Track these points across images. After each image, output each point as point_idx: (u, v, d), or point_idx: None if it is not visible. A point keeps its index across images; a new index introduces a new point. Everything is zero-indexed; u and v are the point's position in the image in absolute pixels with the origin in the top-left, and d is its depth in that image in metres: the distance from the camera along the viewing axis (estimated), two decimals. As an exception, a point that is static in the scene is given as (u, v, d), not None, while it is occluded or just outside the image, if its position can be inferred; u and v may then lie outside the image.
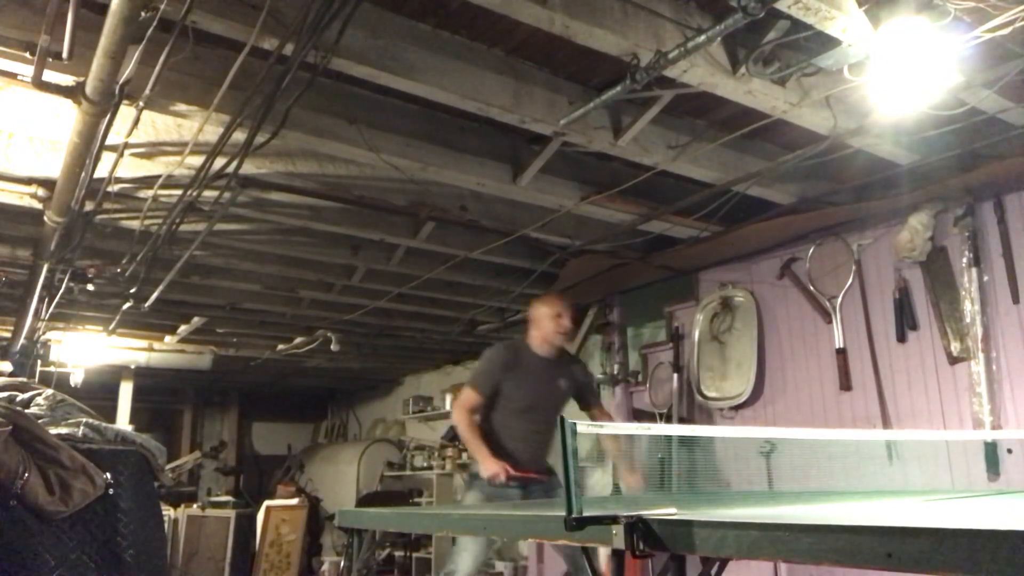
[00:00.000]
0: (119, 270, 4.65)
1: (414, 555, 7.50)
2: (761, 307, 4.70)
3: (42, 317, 5.37)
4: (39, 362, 6.52)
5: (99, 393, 6.91)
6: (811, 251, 4.46)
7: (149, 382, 8.37)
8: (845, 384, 4.19)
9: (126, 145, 3.10)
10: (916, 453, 3.76)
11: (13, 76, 2.65)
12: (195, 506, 7.26)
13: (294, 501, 7.73)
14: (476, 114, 3.12)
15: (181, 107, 2.92)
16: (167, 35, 2.35)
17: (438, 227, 4.47)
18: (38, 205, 3.61)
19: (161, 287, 4.82)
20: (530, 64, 3.10)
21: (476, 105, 2.99)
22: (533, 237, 4.52)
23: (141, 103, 2.69)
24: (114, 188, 3.47)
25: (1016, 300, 3.59)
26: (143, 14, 2.10)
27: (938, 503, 2.23)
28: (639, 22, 2.61)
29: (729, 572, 2.00)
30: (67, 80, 2.55)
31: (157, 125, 3.15)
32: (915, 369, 3.93)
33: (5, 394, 3.12)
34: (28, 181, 3.55)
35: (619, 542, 1.44)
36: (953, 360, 3.78)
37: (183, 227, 3.93)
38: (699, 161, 3.62)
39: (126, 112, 2.78)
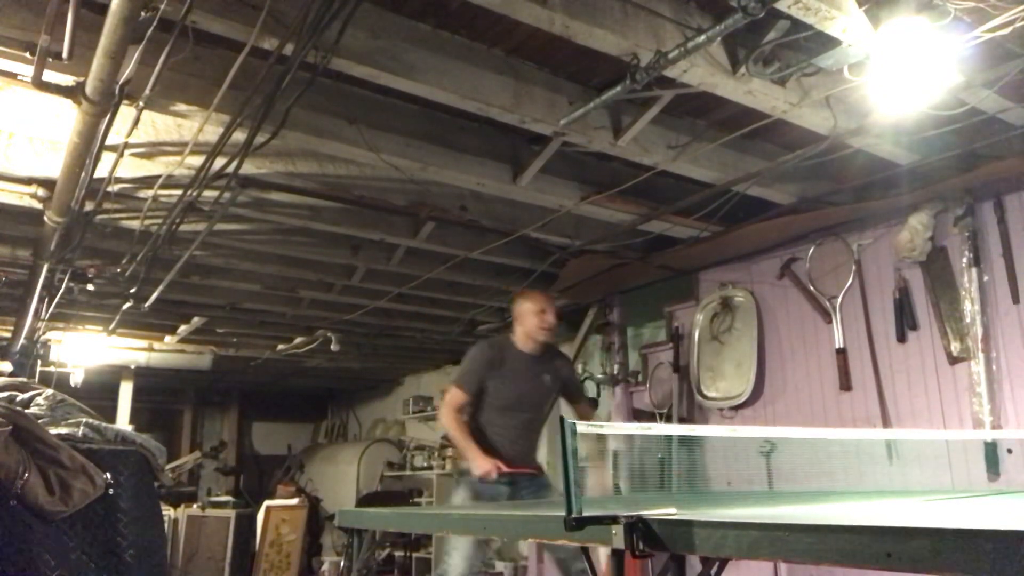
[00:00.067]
0: (119, 270, 4.66)
1: (414, 555, 7.50)
2: (761, 307, 4.70)
3: (42, 317, 5.37)
4: (39, 362, 6.52)
5: (99, 393, 6.92)
6: (811, 251, 4.46)
7: (149, 382, 8.37)
8: (845, 384, 4.19)
9: (126, 145, 3.10)
10: (916, 453, 3.76)
11: (13, 76, 2.65)
12: (195, 506, 7.26)
13: (294, 501, 7.72)
14: (476, 114, 3.12)
15: (181, 107, 2.92)
16: (167, 35, 2.35)
17: (438, 227, 4.47)
18: (38, 205, 3.61)
19: (161, 287, 4.82)
20: (530, 64, 3.10)
21: (476, 105, 2.99)
22: (533, 237, 4.52)
23: (141, 103, 2.69)
24: (114, 188, 3.47)
25: (1016, 300, 3.59)
26: (143, 14, 2.10)
27: (938, 503, 2.23)
28: (639, 22, 2.61)
29: (729, 572, 2.00)
30: (67, 80, 2.55)
31: (157, 125, 3.15)
32: (915, 369, 3.93)
33: (5, 394, 3.12)
34: (28, 181, 3.55)
35: (619, 542, 1.44)
36: (953, 360, 3.78)
37: (183, 227, 3.93)
38: (699, 161, 3.62)
39: (126, 112, 2.78)
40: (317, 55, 2.50)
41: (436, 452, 7.99)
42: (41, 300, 4.86)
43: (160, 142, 3.25)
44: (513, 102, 3.04)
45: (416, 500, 7.70)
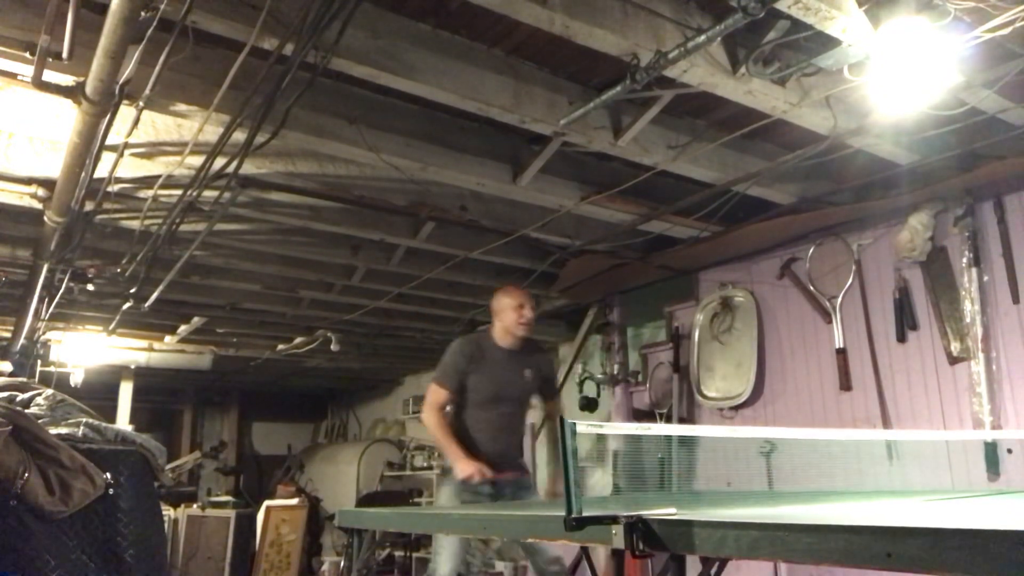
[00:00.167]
0: (119, 270, 4.66)
1: (414, 555, 7.49)
2: (761, 307, 4.70)
3: (42, 317, 5.37)
4: (39, 362, 6.52)
5: (99, 393, 6.91)
6: (811, 251, 4.46)
7: (149, 382, 8.37)
8: (845, 384, 4.19)
9: (126, 145, 3.10)
10: (916, 453, 3.76)
11: (13, 76, 2.65)
12: (195, 506, 7.25)
13: (294, 501, 7.72)
14: (476, 114, 3.12)
15: (181, 107, 2.92)
16: (167, 35, 2.35)
17: (438, 227, 4.47)
18: (38, 205, 3.61)
19: (161, 287, 4.82)
20: (530, 64, 3.10)
21: (476, 105, 2.99)
22: (533, 237, 4.52)
23: (141, 103, 2.69)
24: (114, 188, 3.47)
25: (1016, 300, 3.59)
26: (143, 14, 2.10)
27: (938, 503, 2.23)
28: (639, 22, 2.61)
29: (729, 572, 2.00)
30: (67, 80, 2.55)
31: (157, 125, 3.15)
32: (915, 369, 3.93)
33: (5, 394, 3.12)
34: (28, 181, 3.55)
35: (619, 542, 1.43)
36: (953, 360, 3.78)
37: (183, 227, 3.93)
38: (699, 161, 3.62)
39: (126, 112, 2.78)
40: (317, 55, 2.50)
41: (436, 452, 7.98)
42: (41, 300, 4.86)
43: (160, 142, 3.25)
44: (513, 102, 3.04)
45: (416, 500, 7.70)
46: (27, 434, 2.66)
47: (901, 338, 3.99)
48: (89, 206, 3.63)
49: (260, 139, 2.94)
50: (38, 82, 2.49)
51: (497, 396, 3.53)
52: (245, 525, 7.17)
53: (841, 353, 4.23)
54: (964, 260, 3.77)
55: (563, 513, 1.52)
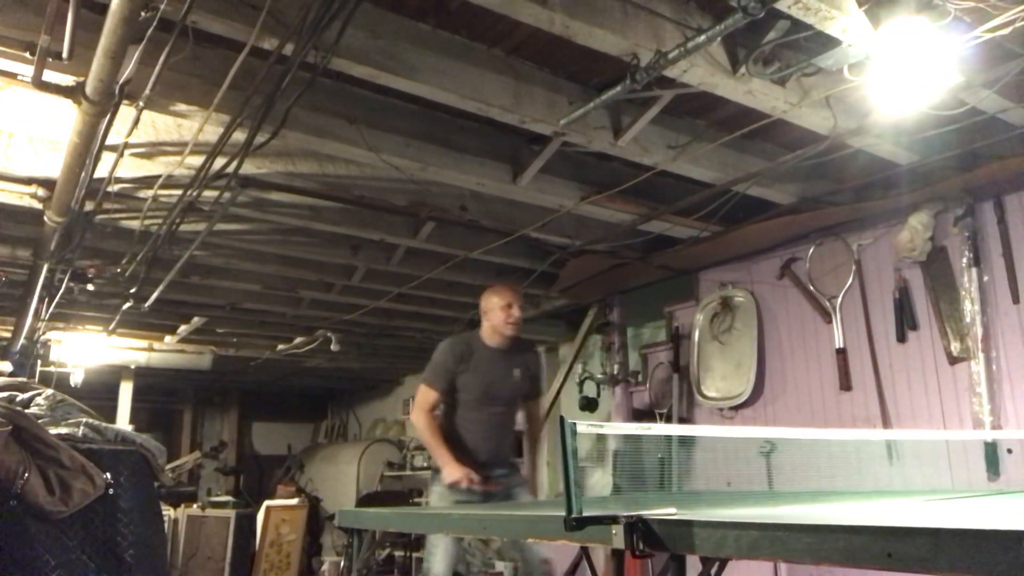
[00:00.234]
0: (119, 270, 4.66)
1: (414, 555, 7.49)
2: (761, 307, 4.70)
3: (42, 317, 5.37)
4: (39, 362, 6.52)
5: (99, 393, 6.92)
6: (811, 251, 4.46)
7: (149, 382, 8.37)
8: (845, 384, 4.19)
9: (126, 145, 3.10)
10: (916, 453, 3.76)
11: (13, 76, 2.65)
12: (195, 506, 7.25)
13: (294, 501, 7.72)
14: (476, 114, 3.12)
15: (181, 107, 2.92)
16: (167, 35, 2.35)
17: (438, 227, 4.47)
18: (38, 205, 3.61)
19: (161, 287, 4.82)
20: (530, 64, 3.10)
21: (476, 105, 2.99)
22: (533, 237, 4.52)
23: (141, 103, 2.69)
24: (114, 188, 3.47)
25: (1016, 300, 3.59)
26: (143, 14, 2.10)
27: (938, 503, 2.23)
28: (639, 22, 2.61)
29: (729, 572, 2.00)
30: (67, 80, 2.55)
31: (157, 125, 3.15)
32: (915, 369, 3.93)
33: (5, 394, 3.12)
34: (28, 181, 3.55)
35: (619, 542, 1.44)
36: (953, 360, 3.78)
37: (183, 227, 3.93)
38: (699, 161, 3.62)
39: (126, 112, 2.78)
40: (317, 55, 2.50)
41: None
42: (41, 300, 4.86)
43: (160, 142, 3.25)
44: (513, 102, 3.04)
45: (416, 500, 7.70)
46: (27, 434, 2.66)
47: (901, 338, 3.99)
48: (89, 206, 3.63)
49: (260, 139, 2.94)
50: (38, 82, 2.49)
51: (487, 396, 3.52)
52: (245, 525, 7.17)
53: (841, 353, 4.23)
54: (964, 260, 3.77)
55: (563, 513, 1.52)
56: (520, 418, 3.81)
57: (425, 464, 8.08)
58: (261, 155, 3.29)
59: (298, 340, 7.15)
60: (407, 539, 7.41)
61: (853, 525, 1.15)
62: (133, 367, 7.38)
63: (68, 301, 5.19)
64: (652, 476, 4.72)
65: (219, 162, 3.16)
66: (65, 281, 4.71)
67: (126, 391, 7.71)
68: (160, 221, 3.90)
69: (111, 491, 2.86)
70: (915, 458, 3.76)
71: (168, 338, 7.06)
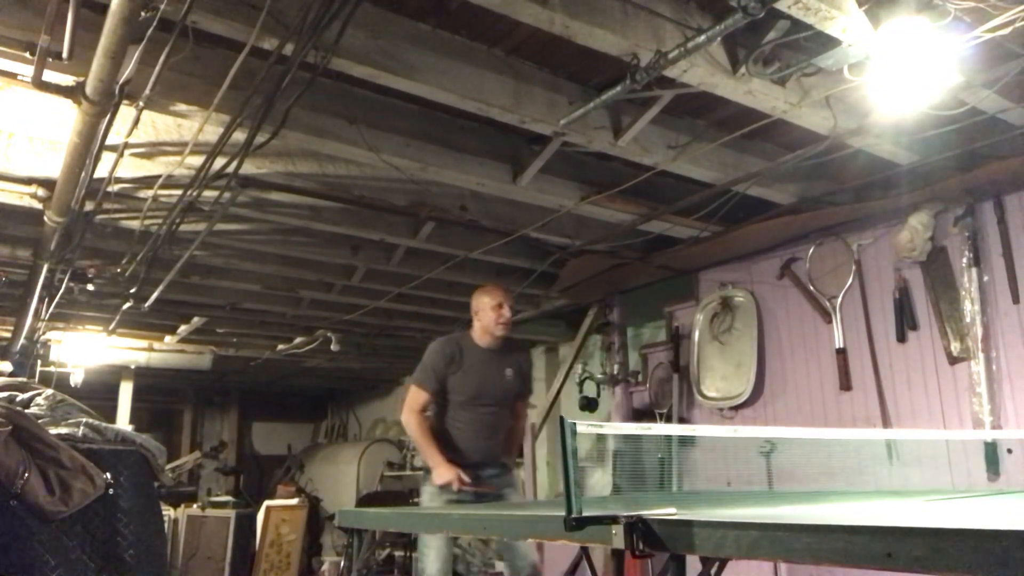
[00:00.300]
0: (119, 270, 4.66)
1: (414, 555, 7.48)
2: (761, 307, 4.70)
3: (42, 317, 5.37)
4: (39, 362, 6.52)
5: (99, 393, 6.92)
6: (811, 251, 4.46)
7: (149, 382, 8.37)
8: (845, 384, 4.19)
9: (126, 145, 3.10)
10: (916, 453, 3.76)
11: (13, 76, 2.65)
12: (195, 506, 7.25)
13: (294, 501, 7.73)
14: (476, 114, 3.12)
15: (181, 107, 2.92)
16: (167, 35, 2.35)
17: (438, 227, 4.47)
18: (38, 205, 3.61)
19: (161, 287, 4.82)
20: (530, 64, 3.10)
21: (476, 105, 2.99)
22: (533, 237, 4.52)
23: (141, 103, 2.69)
24: (114, 188, 3.47)
25: (1016, 300, 3.59)
26: (143, 14, 2.10)
27: (938, 503, 2.23)
28: (639, 22, 2.61)
29: (729, 572, 2.00)
30: (67, 80, 2.55)
31: (157, 125, 3.15)
32: (915, 369, 3.93)
33: (5, 394, 3.13)
34: (28, 181, 3.55)
35: (619, 542, 1.44)
36: (953, 360, 3.78)
37: (183, 227, 3.93)
38: (699, 161, 3.62)
39: (126, 112, 2.78)
40: (317, 55, 2.50)
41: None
42: (41, 300, 4.86)
43: (160, 142, 3.25)
44: (513, 102, 3.04)
45: (416, 500, 7.69)
46: (27, 434, 2.66)
47: (901, 338, 3.99)
48: (89, 206, 3.63)
49: (260, 139, 2.94)
50: (38, 82, 2.49)
51: (478, 396, 3.52)
52: (245, 525, 7.17)
53: (841, 353, 4.23)
54: (964, 260, 3.77)
55: (563, 513, 1.52)
56: None
57: (425, 464, 8.07)
58: (261, 155, 3.29)
59: (298, 340, 7.15)
60: (407, 539, 7.40)
61: (853, 525, 1.15)
62: (133, 367, 7.39)
63: (68, 301, 5.19)
64: (652, 476, 4.72)
65: (219, 162, 3.16)
66: (65, 281, 4.71)
67: (126, 391, 7.71)
68: (160, 221, 3.90)
69: (111, 491, 2.86)
70: (915, 458, 3.76)
71: (168, 338, 7.06)
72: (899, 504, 2.22)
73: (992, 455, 3.54)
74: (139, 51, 2.34)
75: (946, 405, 3.78)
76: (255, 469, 10.33)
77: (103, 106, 2.51)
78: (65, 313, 5.76)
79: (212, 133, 2.99)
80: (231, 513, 7.10)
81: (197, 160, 3.20)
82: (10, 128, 3.23)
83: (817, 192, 4.07)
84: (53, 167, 3.25)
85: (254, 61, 2.51)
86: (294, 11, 2.36)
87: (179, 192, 3.52)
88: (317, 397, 11.35)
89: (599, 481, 5.53)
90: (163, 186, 3.50)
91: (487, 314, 3.54)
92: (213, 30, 2.46)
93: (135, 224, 3.97)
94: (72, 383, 6.52)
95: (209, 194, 3.57)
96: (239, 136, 2.94)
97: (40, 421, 2.89)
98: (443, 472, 3.31)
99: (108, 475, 2.86)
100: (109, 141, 2.93)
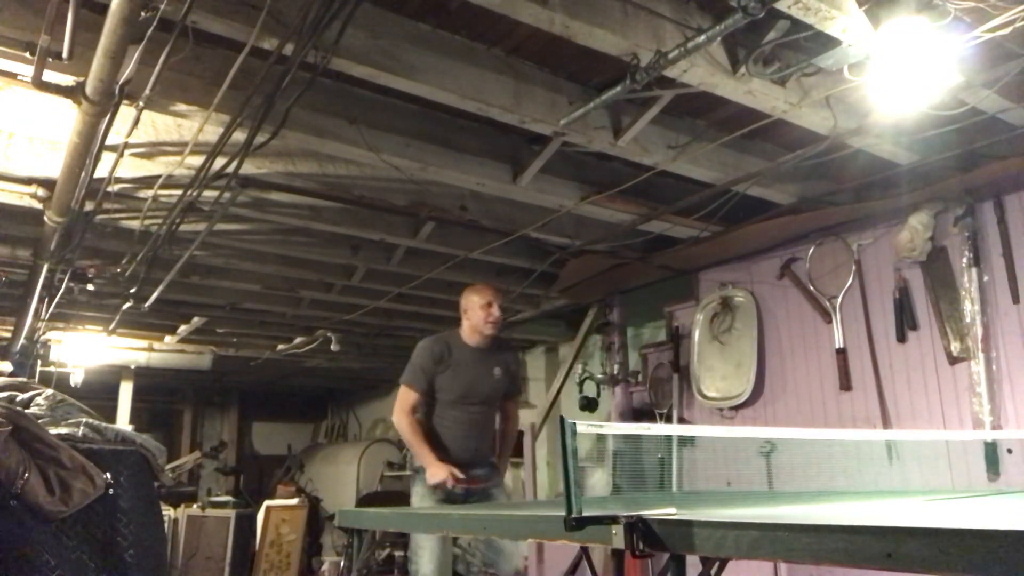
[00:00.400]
0: (119, 270, 4.66)
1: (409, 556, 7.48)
2: (761, 307, 4.70)
3: (42, 317, 5.38)
4: (39, 362, 6.52)
5: (99, 393, 6.92)
6: (811, 251, 4.46)
7: (149, 382, 8.38)
8: (845, 384, 4.19)
9: (126, 145, 3.10)
10: (916, 453, 3.76)
11: (13, 76, 2.65)
12: (195, 506, 7.25)
13: (294, 501, 7.73)
14: (476, 114, 3.12)
15: (181, 107, 2.92)
16: (167, 35, 2.35)
17: (438, 227, 4.47)
18: (38, 205, 3.61)
19: (161, 287, 4.82)
20: (530, 64, 3.10)
21: (476, 105, 2.99)
22: (533, 237, 4.52)
23: (141, 103, 2.69)
24: (114, 188, 3.47)
25: (1016, 300, 3.59)
26: (143, 14, 2.10)
27: (938, 503, 2.23)
28: (639, 22, 2.61)
29: (729, 572, 2.00)
30: (67, 80, 2.55)
31: (157, 125, 3.15)
32: (915, 369, 3.93)
33: (5, 394, 3.12)
34: (28, 181, 3.55)
35: (619, 542, 1.43)
36: (953, 360, 3.77)
37: (183, 227, 3.93)
38: (699, 161, 3.62)
39: (126, 112, 2.78)
40: (317, 55, 2.50)
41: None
42: (41, 300, 4.86)
43: (160, 142, 3.25)
44: (513, 102, 3.04)
45: (415, 500, 7.69)
46: (27, 434, 2.66)
47: (901, 338, 3.99)
48: (89, 206, 3.63)
49: (260, 139, 2.94)
50: (38, 82, 2.49)
51: (467, 395, 3.52)
52: (245, 525, 7.17)
53: (841, 353, 4.23)
54: (964, 260, 3.76)
55: (563, 513, 1.52)
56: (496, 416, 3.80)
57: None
58: (261, 155, 3.29)
59: (298, 340, 7.15)
60: (407, 539, 7.40)
61: (853, 525, 1.15)
62: (133, 367, 7.39)
63: (68, 301, 5.19)
64: (652, 476, 4.72)
65: (219, 162, 3.16)
66: (65, 281, 4.71)
67: (126, 391, 7.71)
68: (160, 221, 3.91)
69: (111, 491, 2.86)
70: (915, 458, 3.76)
71: (168, 338, 7.06)
72: (899, 504, 2.22)
73: (992, 455, 3.54)
74: (139, 51, 2.34)
75: (946, 405, 3.78)
76: (255, 469, 10.33)
77: (103, 106, 2.51)
78: (65, 313, 5.77)
79: (212, 133, 2.99)
80: (231, 513, 7.10)
81: (197, 160, 3.20)
82: (10, 128, 3.23)
83: (817, 192, 4.07)
84: (53, 167, 3.25)
85: (254, 61, 2.51)
86: (294, 11, 2.36)
87: (179, 192, 3.52)
88: (317, 397, 11.35)
89: (599, 481, 5.53)
90: (163, 186, 3.50)
91: (476, 313, 3.53)
92: (213, 30, 2.46)
93: (135, 224, 3.97)
94: (72, 383, 6.53)
95: (209, 194, 3.57)
96: (239, 136, 2.94)
97: (40, 421, 2.89)
98: (436, 471, 3.32)
99: (108, 475, 2.85)
100: (109, 141, 2.93)
